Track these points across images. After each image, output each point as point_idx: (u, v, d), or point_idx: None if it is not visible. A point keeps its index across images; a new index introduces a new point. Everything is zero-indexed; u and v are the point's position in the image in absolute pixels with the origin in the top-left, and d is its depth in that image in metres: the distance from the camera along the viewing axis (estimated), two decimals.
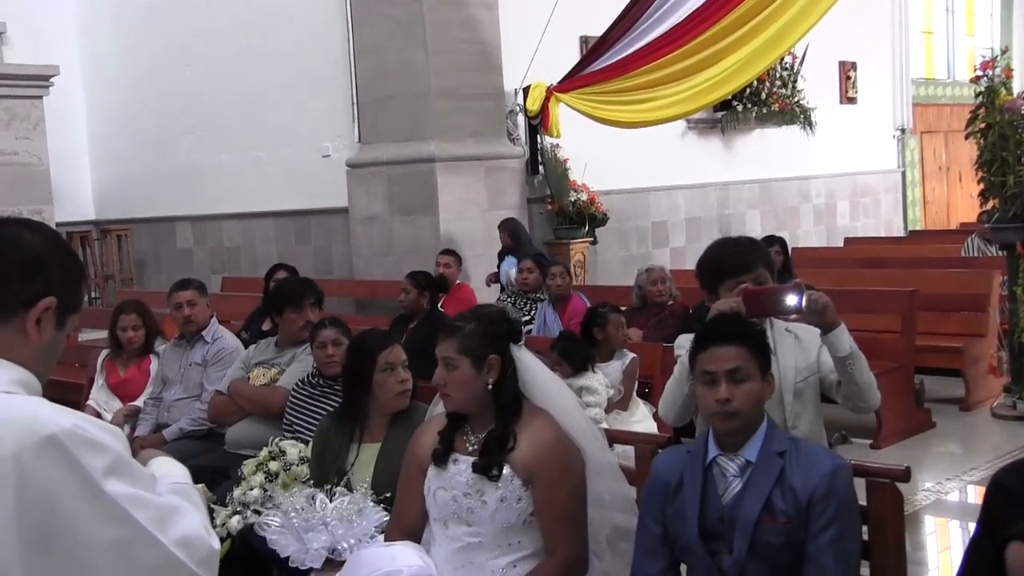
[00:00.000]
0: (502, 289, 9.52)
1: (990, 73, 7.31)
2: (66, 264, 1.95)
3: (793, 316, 3.35)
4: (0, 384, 1.79)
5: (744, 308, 3.26)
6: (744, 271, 3.52)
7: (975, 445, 7.21)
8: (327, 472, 3.96)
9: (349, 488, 3.83)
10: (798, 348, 3.48)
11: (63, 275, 1.93)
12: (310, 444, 4.27)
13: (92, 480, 1.73)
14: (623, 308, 7.77)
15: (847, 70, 15.76)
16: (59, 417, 1.75)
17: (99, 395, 6.51)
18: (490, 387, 3.24)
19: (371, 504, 3.70)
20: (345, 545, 3.57)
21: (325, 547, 3.60)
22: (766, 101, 13.93)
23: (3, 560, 1.70)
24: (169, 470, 2.08)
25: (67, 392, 7.83)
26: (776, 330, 3.50)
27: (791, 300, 3.21)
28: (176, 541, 1.81)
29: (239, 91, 11.86)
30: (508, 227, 9.99)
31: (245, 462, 4.34)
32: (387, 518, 3.60)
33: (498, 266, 9.90)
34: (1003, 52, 8.62)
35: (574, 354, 5.90)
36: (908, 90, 16.94)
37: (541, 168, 11.31)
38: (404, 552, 3.22)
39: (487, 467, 3.17)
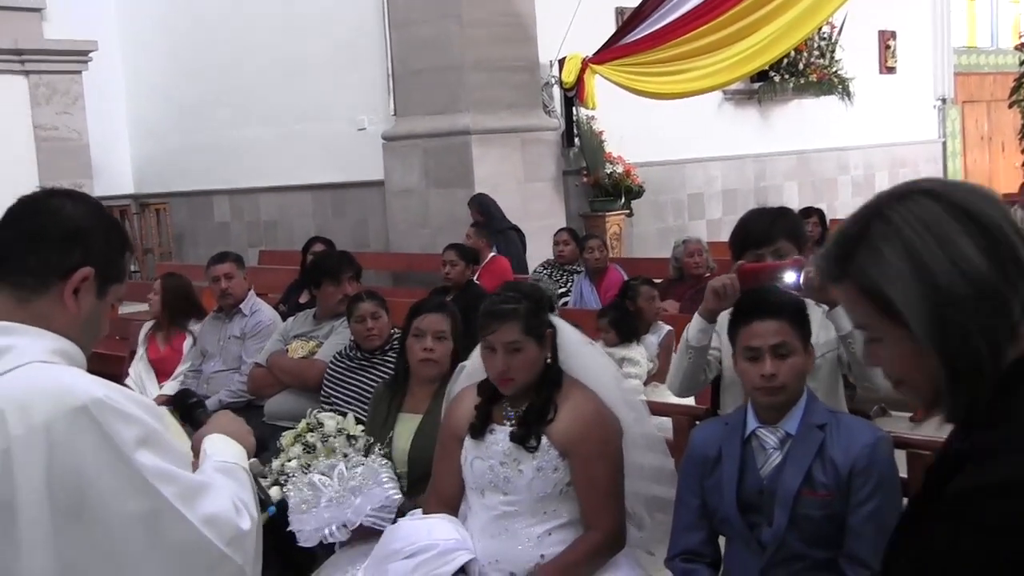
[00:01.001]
0: None
1: None
2: (107, 235, 1.96)
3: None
4: (38, 353, 1.81)
5: (739, 285, 3.21)
6: (764, 243, 3.47)
7: None
8: (376, 439, 3.99)
9: (390, 457, 3.85)
10: (822, 323, 3.38)
11: (104, 246, 1.94)
12: (347, 415, 4.29)
13: (120, 451, 1.74)
14: (659, 280, 7.76)
15: (886, 39, 15.56)
16: (91, 388, 1.77)
17: (138, 367, 6.57)
18: (548, 361, 3.25)
19: (385, 475, 3.68)
20: (347, 522, 3.56)
21: (324, 526, 3.59)
22: (804, 72, 13.78)
23: (35, 527, 1.72)
24: (221, 448, 2.09)
25: (107, 364, 7.92)
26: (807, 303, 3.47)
27: (789, 277, 3.15)
28: (203, 519, 1.81)
29: (275, 65, 11.88)
30: (476, 203, 9.80)
31: (283, 433, 4.38)
32: (394, 493, 3.60)
33: None
34: None
35: (623, 324, 5.93)
36: (949, 59, 16.70)
37: (576, 140, 11.26)
38: (440, 526, 3.23)
39: (525, 438, 3.17)
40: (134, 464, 1.75)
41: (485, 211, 9.69)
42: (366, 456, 3.73)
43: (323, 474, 3.72)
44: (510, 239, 9.39)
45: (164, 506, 1.77)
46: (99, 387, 1.78)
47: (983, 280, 1.40)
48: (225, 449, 2.09)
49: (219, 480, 1.94)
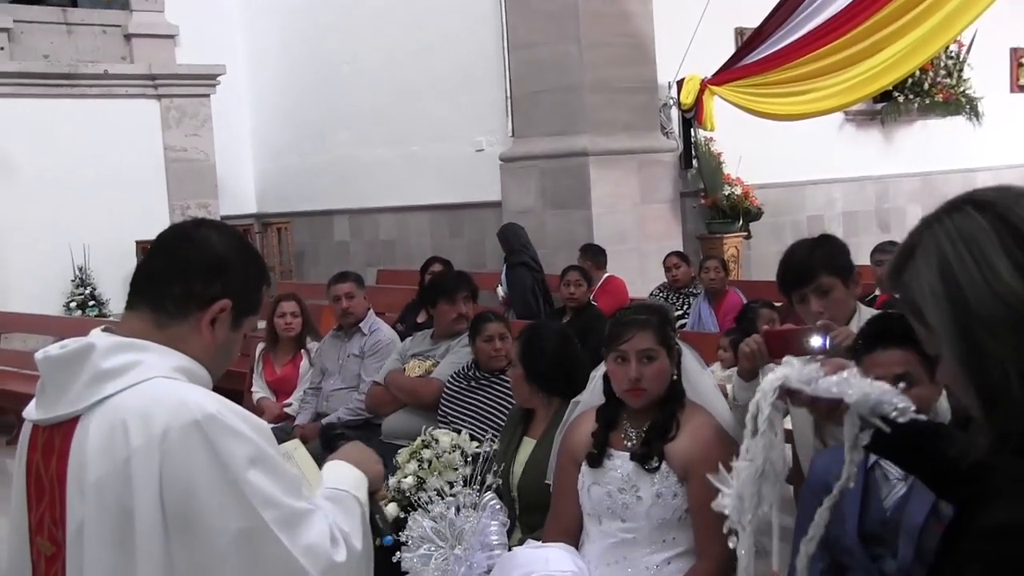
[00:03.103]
0: (503, 303, 8.97)
1: None
2: (247, 268, 2.04)
3: (820, 357, 3.22)
4: (162, 369, 1.88)
5: (767, 348, 3.14)
6: (804, 281, 3.39)
7: None
8: (502, 462, 3.95)
9: (507, 481, 3.84)
10: None
11: (243, 279, 2.02)
12: (460, 432, 4.32)
13: (228, 468, 1.79)
14: (778, 304, 7.62)
15: (1019, 56, 15.06)
16: (206, 403, 1.82)
17: (259, 385, 6.72)
18: (675, 377, 3.23)
19: (495, 522, 3.62)
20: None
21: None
22: (929, 91, 13.44)
23: (150, 536, 1.77)
24: (339, 476, 2.12)
25: (230, 380, 8.13)
26: None
27: (815, 341, 3.03)
28: (302, 548, 1.84)
29: (395, 86, 12.08)
30: (501, 236, 9.41)
31: (399, 451, 4.42)
32: (496, 537, 3.57)
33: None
34: None
35: None
36: None
37: (695, 162, 11.17)
38: (558, 556, 3.21)
39: (647, 457, 3.15)
40: (239, 482, 1.79)
41: (504, 241, 9.35)
42: (482, 483, 3.68)
43: (433, 519, 3.66)
44: (517, 276, 8.88)
45: (263, 528, 1.80)
46: (214, 403, 1.84)
47: (1018, 302, 1.29)
48: (343, 477, 2.12)
49: (325, 508, 1.97)
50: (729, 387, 5.43)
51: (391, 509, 4.24)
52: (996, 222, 1.32)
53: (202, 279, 1.96)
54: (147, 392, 1.83)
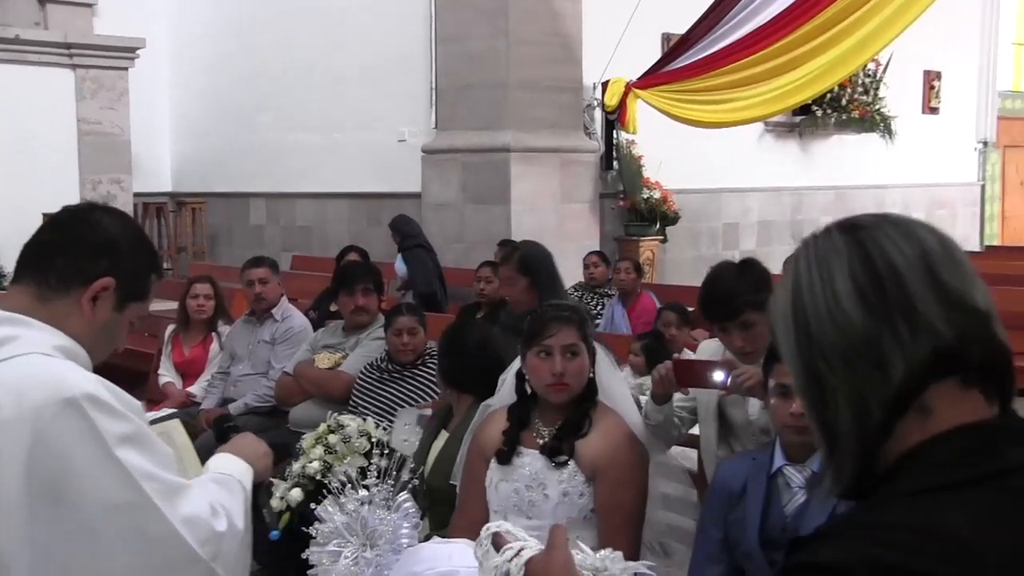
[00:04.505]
0: (401, 288, 9.23)
1: None
2: (137, 253, 2.06)
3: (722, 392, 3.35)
4: (40, 346, 1.88)
5: (675, 378, 3.28)
6: (726, 318, 3.41)
7: None
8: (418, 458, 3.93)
9: (423, 477, 3.82)
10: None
11: (132, 262, 2.04)
12: (366, 420, 4.30)
13: (106, 445, 1.80)
14: (692, 309, 7.71)
15: (931, 79, 15.47)
16: (83, 382, 1.84)
17: (166, 368, 6.61)
18: (592, 375, 3.25)
19: (407, 525, 3.56)
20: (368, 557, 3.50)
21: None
22: (846, 107, 13.73)
23: (11, 506, 1.77)
24: (223, 463, 2.15)
25: (137, 360, 7.97)
26: None
27: (718, 376, 3.20)
28: (182, 518, 1.86)
29: (320, 72, 11.96)
30: (393, 226, 9.70)
31: (304, 436, 4.39)
32: (407, 540, 3.55)
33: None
34: None
35: (655, 353, 5.91)
36: (994, 102, 16.58)
37: (615, 164, 11.25)
38: (462, 551, 3.20)
39: (557, 450, 3.16)
40: (118, 458, 1.80)
41: (397, 230, 9.59)
42: (397, 479, 3.63)
43: (347, 514, 3.61)
44: (417, 256, 9.24)
45: (144, 501, 1.82)
46: (91, 383, 1.85)
47: (854, 331, 1.19)
48: (228, 465, 2.14)
49: (208, 486, 2.00)
50: (643, 398, 5.53)
51: (295, 494, 4.20)
52: (852, 245, 1.23)
53: (88, 256, 1.99)
54: (22, 367, 1.84)
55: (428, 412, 4.31)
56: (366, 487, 3.51)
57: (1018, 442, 1.19)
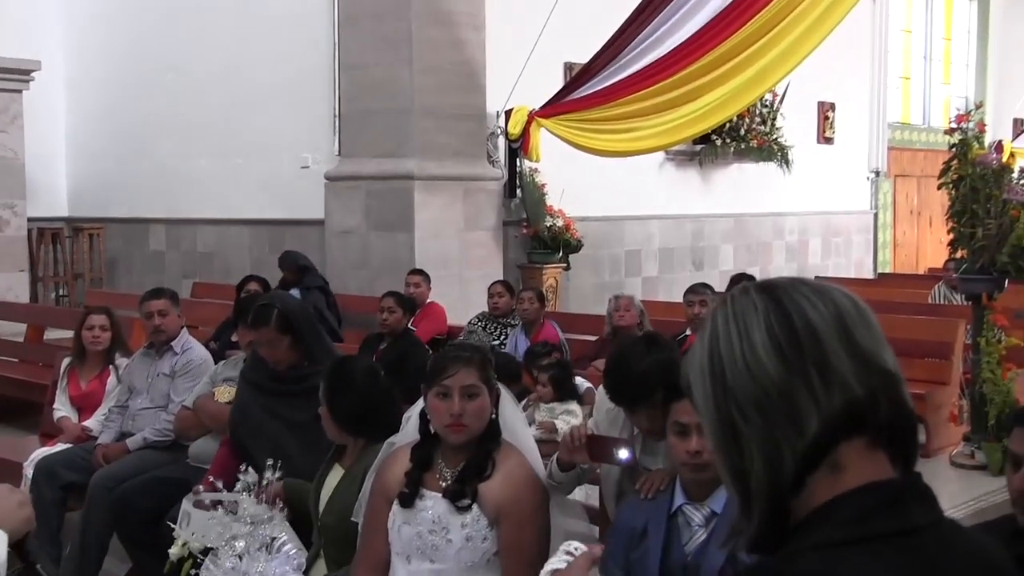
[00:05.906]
0: None
1: (964, 126, 7.39)
2: None
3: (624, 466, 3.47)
4: None
5: (588, 450, 3.38)
6: (635, 401, 3.49)
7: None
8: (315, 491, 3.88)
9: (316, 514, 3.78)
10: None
11: None
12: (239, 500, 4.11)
13: None
14: (594, 338, 7.81)
15: (825, 110, 15.92)
16: None
17: (62, 401, 6.43)
18: (494, 417, 3.26)
19: (287, 551, 3.55)
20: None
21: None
22: (745, 137, 14.04)
23: None
24: None
25: (31, 392, 7.76)
26: None
27: (622, 454, 3.32)
28: None
29: (221, 97, 11.83)
30: (287, 261, 9.68)
31: (171, 549, 4.14)
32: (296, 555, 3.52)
33: None
34: (977, 107, 8.75)
35: (565, 382, 5.96)
36: (884, 133, 17.12)
37: (519, 191, 11.34)
38: None
39: (460, 494, 3.15)
40: None
41: (288, 266, 9.55)
42: (269, 519, 3.56)
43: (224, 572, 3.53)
44: (313, 300, 9.07)
45: None
46: None
47: (769, 382, 1.22)
48: None
49: None
50: (558, 423, 5.59)
51: (174, 551, 4.08)
52: (769, 302, 1.27)
53: None
54: None
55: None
56: (235, 541, 3.45)
57: (922, 502, 1.24)
